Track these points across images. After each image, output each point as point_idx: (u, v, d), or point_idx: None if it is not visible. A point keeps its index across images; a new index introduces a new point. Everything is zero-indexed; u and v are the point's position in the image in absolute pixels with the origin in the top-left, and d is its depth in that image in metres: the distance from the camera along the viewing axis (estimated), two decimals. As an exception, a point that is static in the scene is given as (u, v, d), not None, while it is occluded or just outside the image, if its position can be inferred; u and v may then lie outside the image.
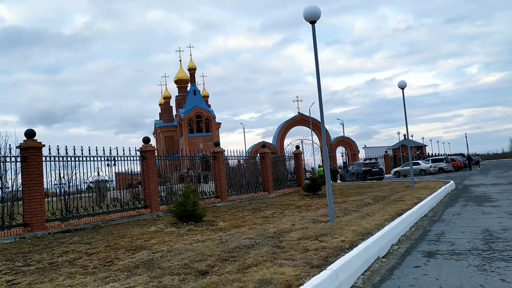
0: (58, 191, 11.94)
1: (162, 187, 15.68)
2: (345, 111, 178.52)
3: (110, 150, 13.24)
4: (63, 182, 11.83)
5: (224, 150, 18.95)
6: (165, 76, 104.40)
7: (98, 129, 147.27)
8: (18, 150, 10.88)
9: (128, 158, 13.86)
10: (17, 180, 10.66)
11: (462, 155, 56.94)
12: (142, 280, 5.20)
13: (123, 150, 13.69)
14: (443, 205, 13.58)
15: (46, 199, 11.40)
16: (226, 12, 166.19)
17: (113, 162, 13.48)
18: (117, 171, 14.01)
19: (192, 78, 79.13)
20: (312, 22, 9.17)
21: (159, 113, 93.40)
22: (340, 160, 59.60)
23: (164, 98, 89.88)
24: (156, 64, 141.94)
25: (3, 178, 10.52)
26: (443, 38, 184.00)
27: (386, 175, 40.12)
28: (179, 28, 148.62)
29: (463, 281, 4.96)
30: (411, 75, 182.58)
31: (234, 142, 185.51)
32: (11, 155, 10.60)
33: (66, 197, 11.84)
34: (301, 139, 53.19)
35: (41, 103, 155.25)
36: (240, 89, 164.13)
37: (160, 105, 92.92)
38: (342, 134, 62.21)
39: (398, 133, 60.79)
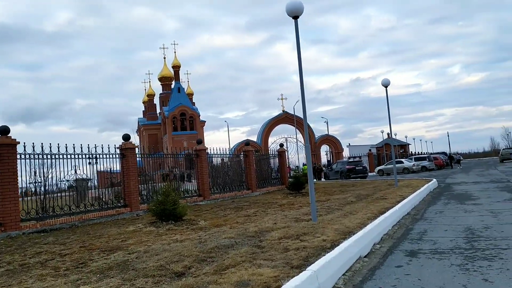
0: (34, 190, 11.61)
1: (144, 185, 15.42)
2: (329, 109, 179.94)
3: (89, 148, 12.92)
4: (39, 181, 11.49)
5: (207, 148, 18.74)
6: (149, 74, 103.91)
7: (81, 127, 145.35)
8: (-8, 147, 10.51)
9: (107, 156, 13.56)
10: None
11: (444, 153, 57.49)
12: (114, 283, 4.98)
13: (102, 148, 13.39)
14: (425, 203, 13.57)
15: (21, 198, 11.07)
16: (212, 9, 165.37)
17: (94, 160, 13.19)
18: (99, 169, 13.71)
19: (177, 76, 78.66)
20: (295, 17, 9.01)
21: (143, 111, 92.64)
22: (324, 159, 59.71)
23: (148, 95, 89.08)
24: (140, 62, 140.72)
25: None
26: (425, 38, 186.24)
27: (369, 174, 40.30)
28: (164, 26, 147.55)
29: (446, 281, 4.84)
30: (395, 74, 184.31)
31: (219, 141, 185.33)
32: (-16, 153, 10.25)
33: (42, 196, 11.50)
34: (285, 137, 53.14)
35: (22, 100, 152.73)
36: (225, 87, 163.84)
37: (143, 102, 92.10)
38: (327, 133, 62.30)
39: (382, 132, 60.99)
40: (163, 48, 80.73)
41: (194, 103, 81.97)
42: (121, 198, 13.79)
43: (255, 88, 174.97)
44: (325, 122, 70.26)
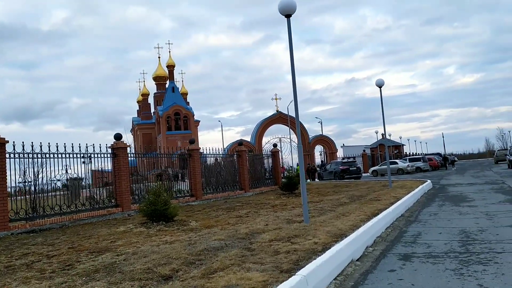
0: (24, 189, 11.42)
1: (137, 185, 15.25)
2: (324, 110, 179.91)
3: (80, 147, 12.74)
4: (28, 180, 11.29)
5: (200, 148, 18.59)
6: (143, 73, 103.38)
7: (77, 126, 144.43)
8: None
9: (100, 156, 13.39)
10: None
11: (439, 154, 57.54)
12: (99, 287, 4.84)
13: (93, 147, 13.21)
14: (420, 205, 13.48)
15: (10, 198, 10.88)
16: (207, 9, 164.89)
17: (88, 159, 13.02)
18: (93, 168, 13.53)
19: (171, 75, 78.30)
20: (288, 16, 8.88)
21: (137, 110, 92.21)
22: (318, 159, 59.61)
23: (142, 95, 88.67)
24: (135, 61, 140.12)
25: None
26: (421, 39, 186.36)
27: (363, 174, 40.23)
28: (159, 25, 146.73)
29: (440, 287, 4.73)
30: (390, 75, 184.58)
31: (213, 140, 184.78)
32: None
33: (32, 195, 11.31)
34: (279, 138, 52.94)
35: (17, 99, 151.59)
36: (220, 87, 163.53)
37: (138, 102, 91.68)
38: (321, 133, 62.23)
39: (376, 132, 61.02)
40: (158, 47, 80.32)
41: (188, 102, 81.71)
42: (112, 198, 13.62)
43: (250, 88, 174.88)
44: (319, 122, 70.21)
